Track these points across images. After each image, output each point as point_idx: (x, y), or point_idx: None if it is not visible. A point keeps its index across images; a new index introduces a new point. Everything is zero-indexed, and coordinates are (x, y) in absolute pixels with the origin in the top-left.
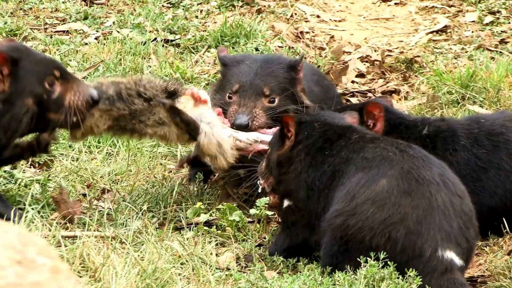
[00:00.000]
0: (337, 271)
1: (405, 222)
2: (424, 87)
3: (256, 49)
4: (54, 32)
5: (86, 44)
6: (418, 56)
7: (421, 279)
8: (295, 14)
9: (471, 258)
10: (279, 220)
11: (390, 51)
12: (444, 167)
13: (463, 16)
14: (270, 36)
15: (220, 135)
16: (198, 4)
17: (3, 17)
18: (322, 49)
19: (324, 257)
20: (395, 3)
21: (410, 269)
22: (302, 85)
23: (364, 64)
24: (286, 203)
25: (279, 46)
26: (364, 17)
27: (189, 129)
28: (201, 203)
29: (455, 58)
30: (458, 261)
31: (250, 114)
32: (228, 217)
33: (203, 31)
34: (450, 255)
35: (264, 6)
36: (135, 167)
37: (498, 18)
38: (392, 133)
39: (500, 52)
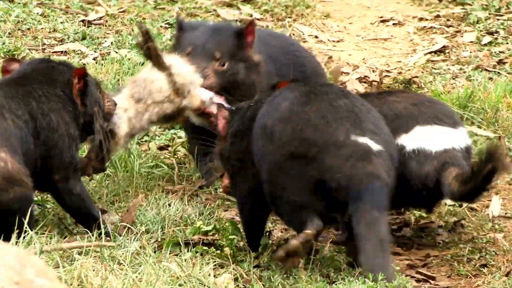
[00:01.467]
0: None
1: (310, 122)
2: None
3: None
4: (52, 52)
5: (84, 64)
6: (416, 77)
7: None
8: (293, 34)
9: (392, 148)
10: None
11: (388, 71)
12: (347, 91)
13: (461, 36)
14: None
15: (189, 73)
16: None
17: (1, 37)
18: None
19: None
20: (393, 24)
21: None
22: (252, 49)
23: (363, 85)
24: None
25: None
26: (362, 38)
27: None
28: (201, 222)
29: (453, 79)
30: (374, 145)
31: (200, 74)
32: (228, 235)
33: None
34: (365, 140)
35: (263, 26)
36: (133, 188)
37: (496, 39)
38: None
39: (498, 72)
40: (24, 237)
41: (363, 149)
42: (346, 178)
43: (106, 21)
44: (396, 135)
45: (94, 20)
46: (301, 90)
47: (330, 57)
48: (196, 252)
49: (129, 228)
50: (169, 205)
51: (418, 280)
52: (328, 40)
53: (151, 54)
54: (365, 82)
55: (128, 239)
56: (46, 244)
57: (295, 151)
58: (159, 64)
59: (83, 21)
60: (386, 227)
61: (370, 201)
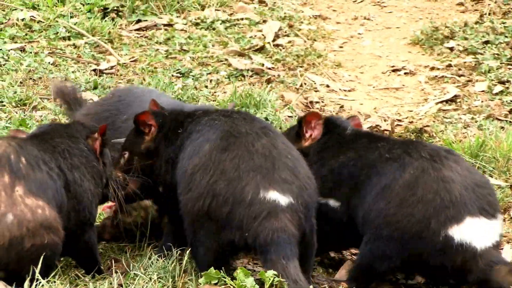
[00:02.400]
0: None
1: (225, 174)
2: None
3: (266, 119)
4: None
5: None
6: (428, 126)
7: (247, 227)
8: (305, 83)
9: (307, 196)
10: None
11: (399, 120)
12: (268, 124)
13: (473, 85)
14: (280, 105)
15: None
16: (207, 74)
17: (13, 86)
18: None
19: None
20: (405, 73)
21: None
22: None
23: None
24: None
25: (288, 116)
26: (373, 87)
27: None
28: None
29: (465, 128)
30: (284, 199)
31: None
32: (239, 283)
33: (213, 100)
34: (273, 195)
35: (274, 75)
36: (145, 237)
37: (507, 88)
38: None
39: (510, 121)
40: (36, 286)
41: (270, 206)
42: (252, 236)
43: (118, 70)
44: (448, 225)
45: (106, 69)
46: (223, 129)
47: (342, 106)
48: None
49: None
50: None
51: None
52: (340, 89)
53: None
54: (376, 132)
55: (139, 287)
56: None
57: (209, 209)
58: None
59: (94, 70)
60: (297, 269)
61: (276, 252)
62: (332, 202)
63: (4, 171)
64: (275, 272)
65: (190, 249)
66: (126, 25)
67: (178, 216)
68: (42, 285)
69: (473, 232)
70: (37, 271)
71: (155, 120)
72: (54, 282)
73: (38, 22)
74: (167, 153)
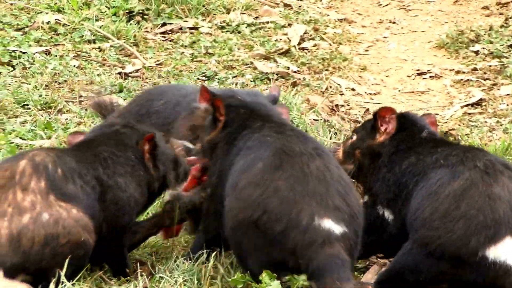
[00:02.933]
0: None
1: (278, 192)
2: None
3: (292, 122)
4: (89, 104)
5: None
6: (453, 129)
7: (301, 252)
8: (330, 87)
9: (357, 224)
10: None
11: None
12: (320, 144)
13: (498, 89)
14: (305, 109)
15: None
16: (233, 77)
17: (38, 89)
18: (357, 122)
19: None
20: (430, 76)
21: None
22: None
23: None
24: (208, 190)
25: (314, 119)
26: (399, 90)
27: None
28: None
29: (490, 131)
30: (337, 228)
31: None
32: (265, 286)
33: None
34: (328, 223)
35: (299, 79)
36: (171, 239)
37: None
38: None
39: None
40: None
41: (325, 235)
42: (306, 262)
43: (143, 74)
44: (486, 245)
45: (131, 72)
46: (275, 147)
47: (367, 110)
48: None
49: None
50: (206, 257)
51: None
52: (365, 92)
53: None
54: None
55: None
56: None
57: (258, 220)
58: None
59: (120, 73)
60: None
61: (331, 275)
62: (387, 214)
63: (41, 177)
64: (304, 278)
65: (239, 260)
66: (151, 28)
67: (216, 223)
68: None
69: (510, 250)
70: (63, 272)
71: (225, 114)
72: (79, 284)
73: (63, 25)
74: (221, 162)
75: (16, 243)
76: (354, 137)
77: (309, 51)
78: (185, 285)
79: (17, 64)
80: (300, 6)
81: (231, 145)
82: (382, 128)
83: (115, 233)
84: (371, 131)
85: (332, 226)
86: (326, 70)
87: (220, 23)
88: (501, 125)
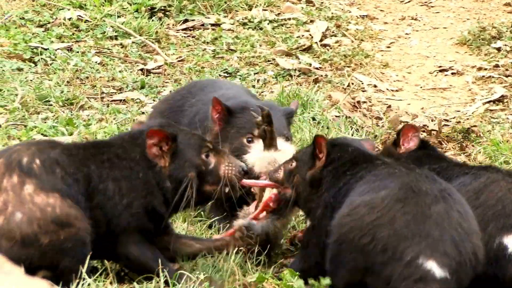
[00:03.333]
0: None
1: (392, 225)
2: (481, 156)
3: (313, 119)
4: (111, 101)
5: (143, 113)
6: (475, 126)
7: (395, 283)
8: (352, 83)
9: (464, 273)
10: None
11: (447, 120)
12: (449, 187)
13: None
14: (327, 105)
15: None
16: (255, 74)
17: (60, 86)
18: (379, 118)
19: (327, 264)
20: (452, 73)
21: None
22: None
23: (421, 134)
24: (308, 223)
25: (336, 116)
26: (421, 87)
27: None
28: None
29: None
30: (439, 272)
31: None
32: (286, 283)
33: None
34: (431, 265)
35: (321, 75)
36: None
37: None
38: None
39: None
40: (82, 285)
41: (423, 273)
42: None
43: (165, 70)
44: (504, 232)
45: (153, 69)
46: (403, 181)
47: (389, 106)
48: None
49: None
50: (227, 253)
51: None
52: (387, 89)
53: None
54: (423, 131)
55: (187, 287)
56: None
57: (364, 246)
58: (270, 145)
59: (141, 70)
60: None
61: None
62: None
63: (13, 173)
64: (328, 281)
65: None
66: (173, 25)
67: (316, 254)
68: (89, 284)
69: None
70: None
71: (327, 151)
72: (100, 280)
73: (85, 22)
74: (328, 195)
75: None
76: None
77: (331, 48)
78: (207, 281)
79: (39, 60)
80: (322, 2)
81: (341, 178)
82: (403, 147)
83: (112, 237)
84: (393, 146)
85: (434, 268)
86: (348, 66)
87: (242, 19)
88: None
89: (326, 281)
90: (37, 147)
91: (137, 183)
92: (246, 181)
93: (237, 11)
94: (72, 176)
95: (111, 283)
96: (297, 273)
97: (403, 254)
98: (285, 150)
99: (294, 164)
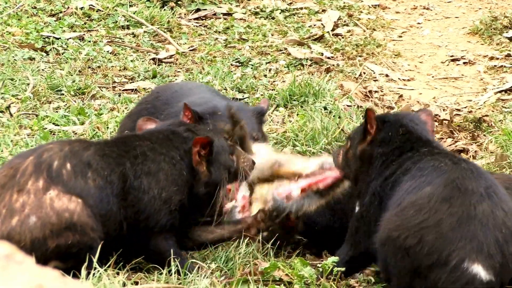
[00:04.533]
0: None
1: (439, 227)
2: (493, 146)
3: (325, 108)
4: (123, 90)
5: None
6: (487, 115)
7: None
8: (364, 73)
9: (506, 273)
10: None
11: (458, 110)
12: (494, 183)
13: None
14: (339, 95)
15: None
16: (266, 63)
17: (72, 75)
18: (390, 108)
19: (379, 264)
20: (464, 63)
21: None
22: None
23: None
24: (356, 208)
25: (347, 105)
26: (432, 76)
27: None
28: (276, 259)
29: None
30: (485, 275)
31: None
32: (297, 272)
33: (272, 89)
34: (477, 269)
35: (333, 65)
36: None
37: None
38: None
39: None
40: (93, 274)
41: (470, 278)
42: None
43: (177, 59)
44: None
45: (165, 58)
46: (449, 177)
47: (401, 96)
48: None
49: (199, 265)
50: (238, 243)
51: None
52: (399, 78)
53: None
54: (435, 121)
55: (198, 276)
56: (117, 282)
57: (410, 248)
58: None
59: (153, 59)
60: None
61: None
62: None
63: (40, 176)
64: (335, 259)
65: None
66: (185, 14)
67: (365, 241)
68: (100, 273)
69: None
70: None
71: (377, 126)
72: (112, 270)
73: (97, 11)
74: (376, 183)
75: None
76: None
77: (343, 37)
78: (218, 271)
79: (50, 50)
80: None
81: (389, 166)
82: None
83: (143, 235)
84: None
85: (480, 272)
86: (360, 56)
87: (254, 9)
88: None
89: (333, 258)
90: (71, 148)
91: (177, 179)
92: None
93: (249, 0)
94: (106, 178)
95: (119, 272)
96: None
97: (449, 258)
98: (258, 152)
99: (349, 143)
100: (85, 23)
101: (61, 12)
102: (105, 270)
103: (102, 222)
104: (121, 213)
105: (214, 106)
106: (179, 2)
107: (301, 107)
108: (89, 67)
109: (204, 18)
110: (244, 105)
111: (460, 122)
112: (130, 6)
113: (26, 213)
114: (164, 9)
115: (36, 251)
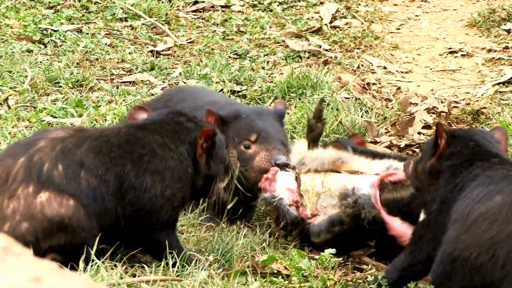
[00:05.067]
0: None
1: (511, 240)
2: None
3: (323, 100)
4: (121, 82)
5: (152, 95)
6: (485, 108)
7: None
8: (362, 65)
9: None
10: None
11: (456, 102)
12: None
13: None
14: (337, 87)
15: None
16: (264, 55)
17: (70, 67)
18: (388, 100)
19: (432, 273)
20: (462, 55)
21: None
22: None
23: (431, 116)
24: (421, 216)
25: (345, 97)
26: (430, 69)
27: None
28: (274, 251)
29: None
30: None
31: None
32: (295, 264)
33: (270, 82)
34: None
35: (331, 57)
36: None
37: None
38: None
39: None
40: (91, 266)
41: None
42: None
43: (175, 52)
44: None
45: (163, 50)
46: None
47: (399, 88)
48: (264, 281)
49: (197, 257)
50: (237, 234)
51: None
52: (397, 71)
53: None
54: (433, 113)
55: (196, 268)
56: (115, 274)
57: (481, 265)
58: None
59: (151, 51)
60: None
61: None
62: None
63: (30, 182)
64: (332, 251)
65: None
66: (183, 6)
67: (430, 249)
68: (98, 266)
69: None
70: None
71: (447, 141)
72: (110, 262)
73: (95, 3)
74: (444, 190)
75: None
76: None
77: (341, 30)
78: (215, 263)
79: (48, 42)
80: None
81: (458, 176)
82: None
83: (142, 229)
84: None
85: None
86: (358, 48)
87: (252, 1)
88: None
89: (330, 250)
90: (63, 147)
91: (183, 176)
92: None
93: None
94: (100, 177)
95: (117, 264)
96: (305, 254)
97: None
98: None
99: (419, 155)
100: (83, 16)
101: (59, 5)
102: (103, 262)
103: (97, 219)
104: (117, 211)
105: (236, 110)
106: None
107: (299, 99)
108: (87, 60)
109: (202, 10)
110: (263, 109)
111: (458, 115)
112: None
113: (17, 219)
114: (162, 2)
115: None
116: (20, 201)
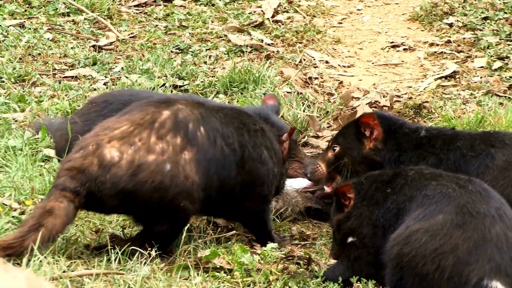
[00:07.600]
0: None
1: (455, 252)
2: None
3: (265, 95)
4: (63, 77)
5: (94, 89)
6: (427, 102)
7: None
8: (304, 59)
9: None
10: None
11: (398, 96)
12: (502, 202)
13: (472, 61)
14: (279, 81)
15: None
16: (206, 50)
17: (12, 62)
18: (330, 94)
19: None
20: (404, 49)
21: None
22: None
23: (373, 110)
24: (350, 239)
25: (287, 92)
26: (372, 63)
27: None
28: (216, 246)
29: (464, 104)
30: None
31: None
32: (237, 259)
33: (212, 76)
34: (495, 285)
35: (273, 52)
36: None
37: (507, 64)
38: (390, 139)
39: (509, 97)
40: (33, 261)
41: None
42: None
43: (117, 47)
44: None
45: (105, 45)
46: (459, 203)
47: (341, 82)
48: (207, 276)
49: (140, 252)
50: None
51: None
52: (339, 65)
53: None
54: (375, 107)
55: (138, 263)
56: (58, 269)
57: (428, 274)
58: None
59: (93, 46)
60: None
61: None
62: None
63: (178, 135)
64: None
65: None
66: (125, 1)
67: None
68: (40, 261)
69: None
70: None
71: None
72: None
73: None
74: (371, 213)
75: (133, 171)
76: (337, 148)
77: (283, 24)
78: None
79: None
80: None
81: (388, 197)
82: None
83: (253, 201)
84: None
85: (499, 287)
86: (300, 42)
87: None
88: (475, 98)
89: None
90: (200, 112)
91: (279, 163)
92: None
93: None
94: (230, 146)
95: (59, 259)
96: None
97: (468, 278)
98: None
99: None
100: (25, 11)
101: (1, 0)
102: (45, 257)
103: (219, 187)
104: (237, 179)
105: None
106: None
107: (241, 94)
108: (30, 54)
109: (144, 5)
110: (267, 107)
111: (400, 109)
112: None
113: (164, 158)
114: None
115: (152, 193)
116: (169, 146)
